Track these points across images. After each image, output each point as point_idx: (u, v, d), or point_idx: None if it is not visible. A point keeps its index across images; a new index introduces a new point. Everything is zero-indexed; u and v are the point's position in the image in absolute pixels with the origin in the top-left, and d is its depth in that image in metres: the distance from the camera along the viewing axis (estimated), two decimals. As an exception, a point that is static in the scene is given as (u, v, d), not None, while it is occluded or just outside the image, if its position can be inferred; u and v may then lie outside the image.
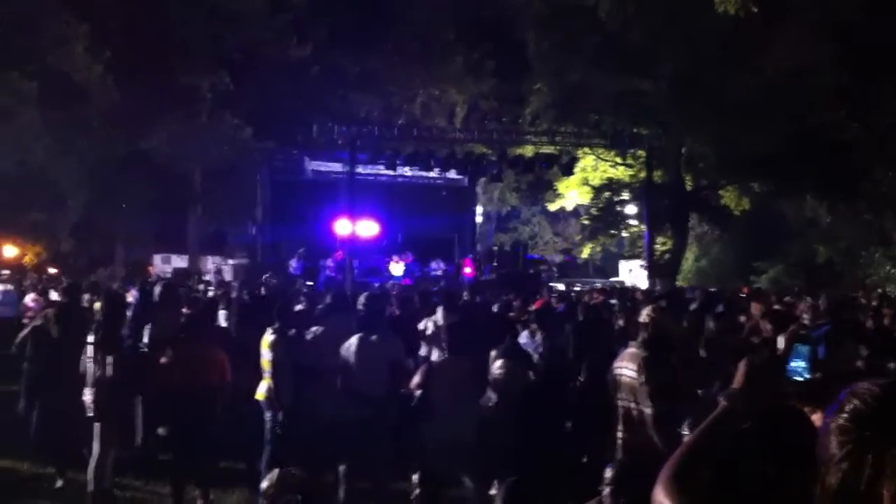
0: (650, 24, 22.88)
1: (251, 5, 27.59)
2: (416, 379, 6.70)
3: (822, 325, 8.45)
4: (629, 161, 28.97)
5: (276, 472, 3.73)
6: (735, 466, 2.34)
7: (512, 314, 10.95)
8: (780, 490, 2.36)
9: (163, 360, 7.24)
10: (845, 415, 1.47)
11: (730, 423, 2.28)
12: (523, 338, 8.70)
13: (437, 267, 26.31)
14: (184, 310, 9.05)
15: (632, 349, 5.68)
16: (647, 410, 5.33)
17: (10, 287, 17.28)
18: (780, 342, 6.03)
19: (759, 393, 2.34)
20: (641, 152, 27.35)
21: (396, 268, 25.59)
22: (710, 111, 23.60)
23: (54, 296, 13.89)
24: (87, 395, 7.15)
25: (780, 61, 21.40)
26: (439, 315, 9.12)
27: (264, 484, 3.71)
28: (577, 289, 23.92)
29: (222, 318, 9.54)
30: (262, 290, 13.97)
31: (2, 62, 21.89)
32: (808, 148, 22.92)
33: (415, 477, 4.96)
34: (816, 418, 2.37)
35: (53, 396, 7.80)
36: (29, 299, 15.17)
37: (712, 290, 18.11)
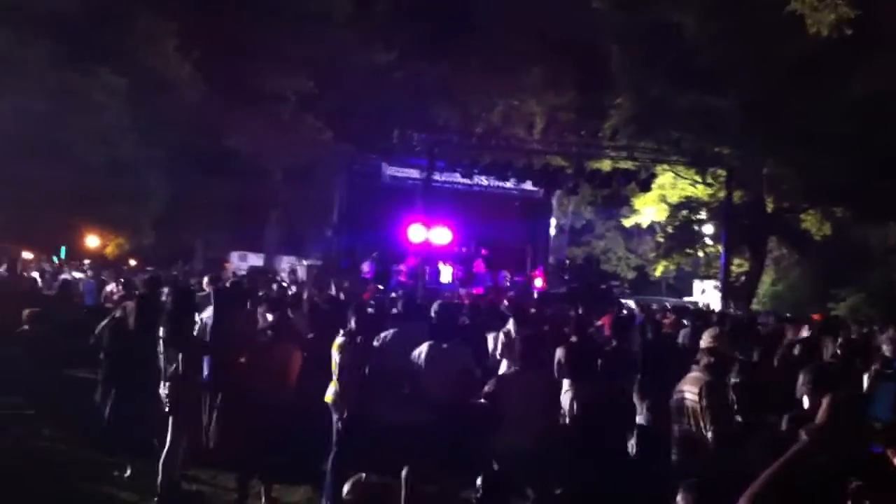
0: (737, 42, 22.37)
1: (338, 9, 27.94)
2: (487, 389, 6.68)
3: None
4: (709, 180, 28.51)
5: (355, 477, 3.82)
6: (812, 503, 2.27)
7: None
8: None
9: (241, 359, 7.33)
10: None
11: (810, 459, 2.22)
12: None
13: (506, 277, 26.26)
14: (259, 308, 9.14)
15: (695, 373, 5.65)
16: (708, 434, 5.28)
17: (83, 276, 17.75)
18: (866, 379, 5.87)
19: (842, 431, 2.26)
20: (722, 171, 26.89)
21: (445, 273, 25.62)
22: (793, 133, 23.02)
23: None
24: (163, 389, 7.30)
25: (869, 85, 20.70)
26: (510, 326, 9.08)
27: (346, 487, 3.81)
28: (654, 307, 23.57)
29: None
30: (335, 293, 14.07)
31: (94, 57, 22.56)
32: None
33: (478, 481, 4.93)
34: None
35: (128, 387, 7.95)
36: (108, 289, 15.50)
37: (787, 315, 17.67)
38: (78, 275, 18.21)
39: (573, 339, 8.29)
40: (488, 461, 6.53)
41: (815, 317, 17.51)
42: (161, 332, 7.46)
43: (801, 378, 5.34)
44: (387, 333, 7.76)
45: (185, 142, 25.46)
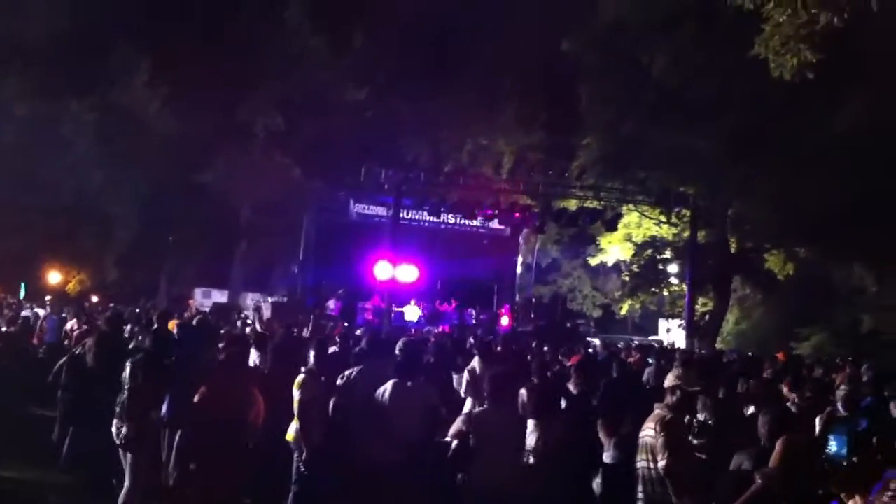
0: (708, 82, 22.49)
1: (313, 48, 28.09)
2: (455, 427, 6.64)
3: (864, 397, 8.27)
4: (674, 220, 28.76)
5: None
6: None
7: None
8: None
9: (196, 397, 7.22)
10: (891, 493, 1.44)
11: (766, 501, 2.23)
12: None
13: (472, 315, 26.29)
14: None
15: (657, 410, 5.65)
16: (661, 462, 5.26)
17: (46, 311, 17.50)
18: (818, 422, 5.91)
19: (796, 474, 2.27)
20: (686, 211, 27.15)
21: (411, 312, 25.64)
22: (767, 169, 23.16)
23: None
24: (120, 426, 7.13)
25: (848, 124, 20.75)
26: (476, 364, 9.06)
27: None
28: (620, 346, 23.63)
29: (254, 357, 9.43)
30: (299, 330, 13.93)
31: (63, 92, 22.44)
32: (865, 214, 22.12)
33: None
34: (852, 504, 2.29)
35: (85, 425, 7.81)
36: (69, 326, 15.28)
37: (750, 354, 17.80)
38: (41, 311, 17.94)
39: (535, 380, 8.29)
40: (455, 500, 6.47)
41: (780, 356, 17.69)
42: (128, 368, 7.29)
43: (760, 419, 5.38)
44: (351, 371, 7.70)
45: (153, 176, 25.32)
